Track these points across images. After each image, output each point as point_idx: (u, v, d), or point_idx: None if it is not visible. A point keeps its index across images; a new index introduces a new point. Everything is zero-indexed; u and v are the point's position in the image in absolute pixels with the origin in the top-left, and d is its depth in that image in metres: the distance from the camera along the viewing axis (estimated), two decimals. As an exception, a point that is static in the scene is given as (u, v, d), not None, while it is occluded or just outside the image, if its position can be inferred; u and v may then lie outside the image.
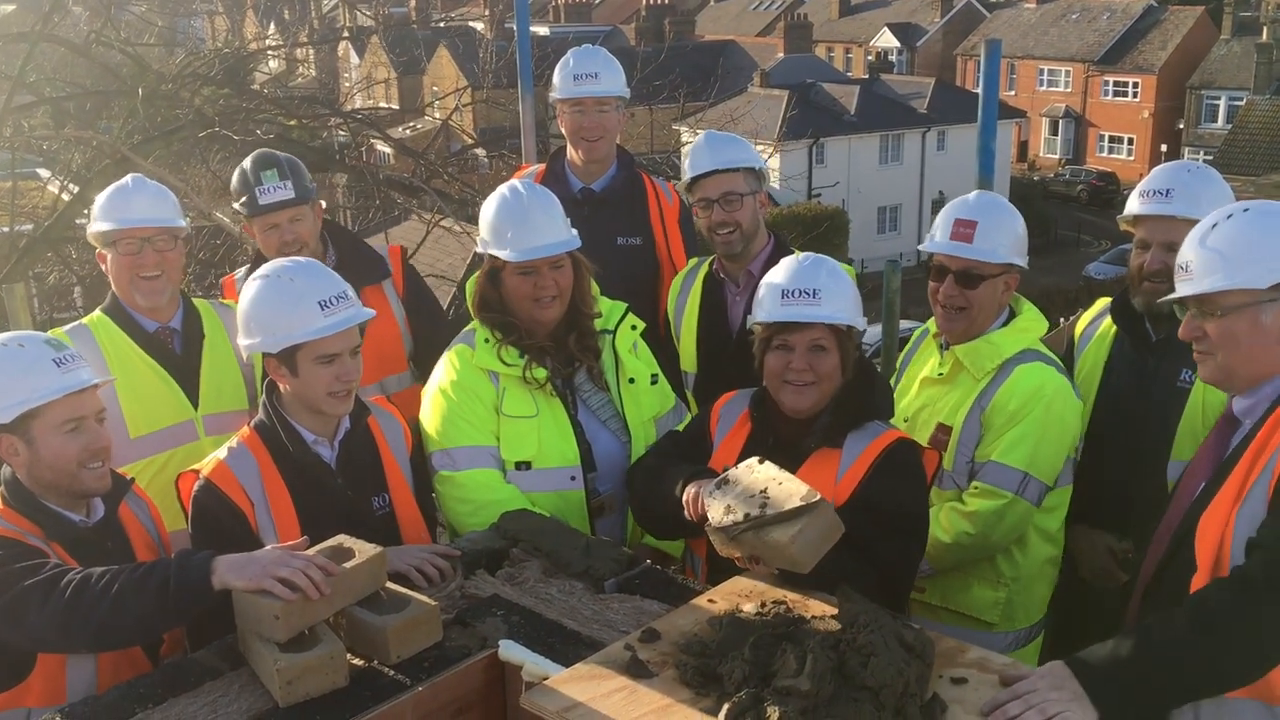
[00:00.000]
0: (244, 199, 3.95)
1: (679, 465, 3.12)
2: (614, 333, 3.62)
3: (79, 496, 2.91)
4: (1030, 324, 3.56)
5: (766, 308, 3.09)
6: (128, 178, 3.89)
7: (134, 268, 3.73)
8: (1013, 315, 3.57)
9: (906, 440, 3.11)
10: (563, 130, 4.69)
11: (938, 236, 3.52)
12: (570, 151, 4.69)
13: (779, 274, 3.13)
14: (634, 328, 3.68)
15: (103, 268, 3.85)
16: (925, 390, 3.64)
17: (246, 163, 3.97)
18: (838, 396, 3.08)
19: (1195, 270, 2.60)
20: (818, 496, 2.63)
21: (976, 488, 3.44)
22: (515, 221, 3.42)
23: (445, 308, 5.54)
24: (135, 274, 3.73)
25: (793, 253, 4.19)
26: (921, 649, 2.38)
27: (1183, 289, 2.64)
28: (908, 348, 3.94)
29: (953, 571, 3.54)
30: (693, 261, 4.47)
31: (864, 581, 2.78)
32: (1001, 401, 3.41)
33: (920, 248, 3.66)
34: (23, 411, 2.80)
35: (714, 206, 4.08)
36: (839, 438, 3.04)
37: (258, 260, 4.03)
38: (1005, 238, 3.47)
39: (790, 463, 3.01)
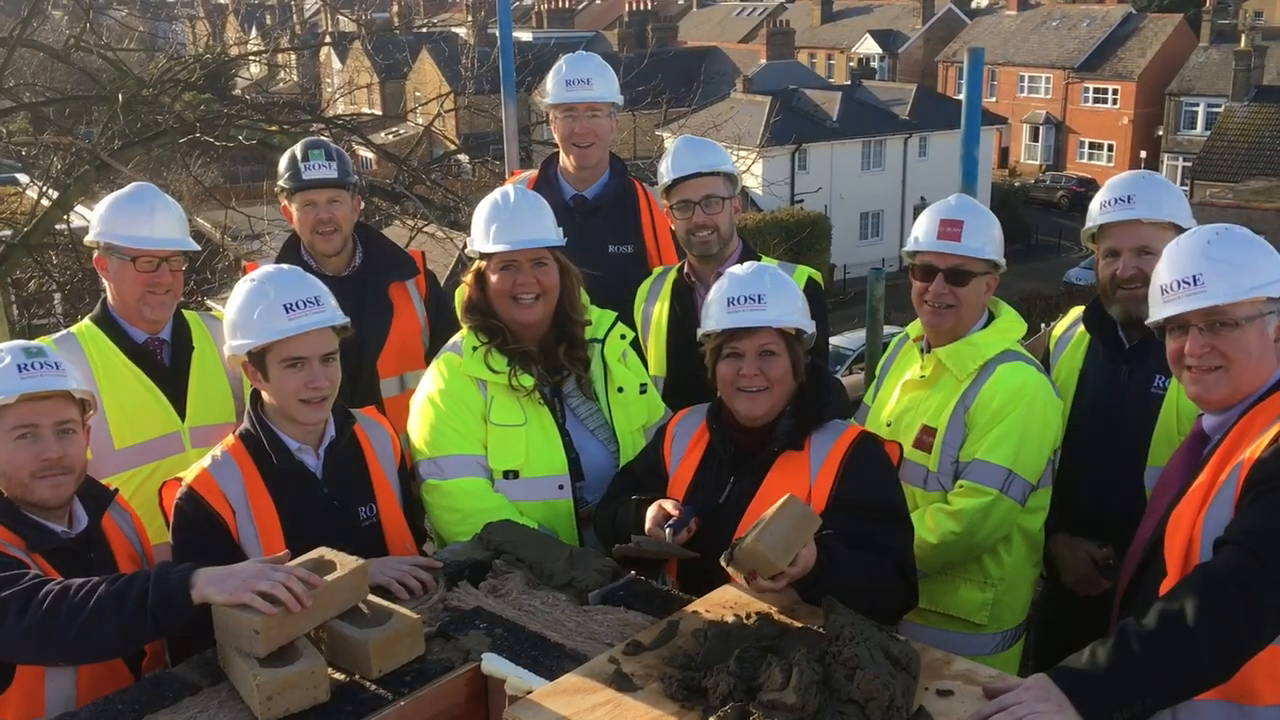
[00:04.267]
0: (287, 175, 4.12)
1: (627, 503, 3.17)
2: (603, 341, 3.61)
3: (35, 507, 2.87)
4: (1010, 325, 3.62)
5: (714, 317, 3.12)
6: (135, 187, 3.88)
7: (149, 284, 3.72)
8: (991, 318, 3.62)
9: (868, 434, 3.15)
10: (555, 136, 4.69)
11: (922, 238, 3.56)
12: (563, 158, 4.69)
13: (723, 283, 3.16)
14: (623, 337, 3.68)
15: (102, 275, 3.81)
16: (907, 394, 3.66)
17: (296, 146, 4.19)
18: (795, 399, 3.09)
19: (1208, 281, 2.62)
20: (785, 497, 2.64)
21: (962, 486, 3.47)
22: (501, 218, 3.45)
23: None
24: (148, 290, 3.72)
25: (759, 258, 4.23)
26: (907, 661, 2.37)
27: (1194, 301, 2.65)
28: (886, 354, 3.97)
29: (940, 574, 3.56)
30: (659, 269, 4.48)
31: (888, 576, 2.85)
32: (985, 400, 3.45)
33: (905, 249, 3.70)
34: None
35: (695, 208, 4.12)
36: (800, 440, 3.05)
37: (288, 248, 4.23)
38: (988, 237, 3.54)
39: (755, 469, 3.06)
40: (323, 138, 4.20)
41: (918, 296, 3.57)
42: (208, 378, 3.85)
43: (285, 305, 2.99)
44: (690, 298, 4.25)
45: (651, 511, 3.06)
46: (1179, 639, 2.31)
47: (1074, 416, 3.69)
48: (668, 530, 2.97)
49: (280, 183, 4.19)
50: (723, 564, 2.71)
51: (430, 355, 4.29)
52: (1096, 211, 3.61)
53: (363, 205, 4.46)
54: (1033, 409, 3.43)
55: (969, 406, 3.47)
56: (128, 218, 3.73)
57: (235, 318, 3.08)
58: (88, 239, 3.84)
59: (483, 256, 3.47)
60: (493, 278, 3.44)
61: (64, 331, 3.85)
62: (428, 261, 4.58)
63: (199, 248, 3.94)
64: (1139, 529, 2.90)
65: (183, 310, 3.96)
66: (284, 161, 4.19)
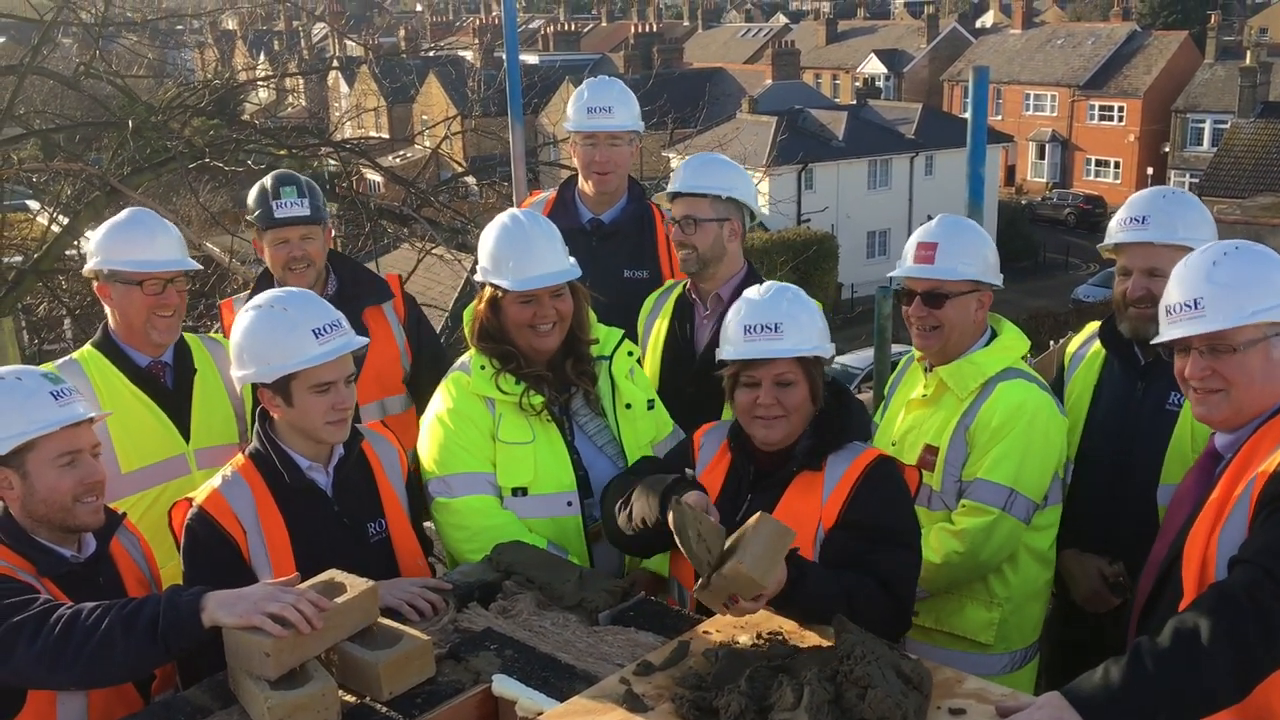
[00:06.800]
0: (259, 212, 4.06)
1: (644, 479, 3.15)
2: (610, 358, 3.63)
3: (72, 531, 2.88)
4: (1012, 343, 3.61)
5: (732, 343, 3.09)
6: (130, 212, 3.89)
7: (156, 307, 3.74)
8: (994, 335, 3.62)
9: (886, 457, 3.12)
10: (575, 162, 4.71)
11: (906, 262, 3.60)
12: (581, 182, 4.71)
13: (740, 308, 3.12)
14: (630, 354, 3.70)
15: (104, 303, 3.81)
16: (911, 412, 3.67)
17: (267, 179, 4.12)
18: (815, 421, 3.08)
19: (1209, 307, 2.61)
20: (757, 515, 2.62)
21: (964, 505, 3.46)
22: (517, 250, 3.43)
23: (438, 335, 5.59)
24: (155, 313, 3.74)
25: (762, 281, 4.21)
26: (919, 680, 2.36)
27: (1194, 326, 2.64)
28: (894, 374, 3.98)
29: (946, 593, 3.54)
30: (668, 283, 4.48)
31: (869, 592, 2.80)
32: (985, 419, 3.45)
33: (889, 275, 3.75)
34: (19, 444, 2.78)
35: (675, 226, 4.12)
36: (818, 461, 3.04)
37: (263, 280, 4.14)
38: (967, 256, 3.53)
39: (773, 489, 3.05)
40: (295, 172, 4.14)
41: (906, 319, 3.61)
42: (210, 399, 3.86)
43: (314, 330, 2.98)
44: (690, 315, 4.26)
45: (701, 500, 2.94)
46: (1193, 658, 2.29)
47: (1087, 432, 3.68)
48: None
49: (250, 218, 4.13)
50: (695, 594, 2.69)
51: (411, 378, 4.27)
52: (1114, 229, 3.62)
53: (334, 236, 4.39)
54: (1034, 426, 3.43)
55: (969, 425, 3.48)
56: (128, 243, 3.74)
57: (256, 344, 3.03)
58: (87, 269, 3.83)
59: (497, 286, 3.46)
60: (511, 310, 3.44)
61: (67, 358, 3.86)
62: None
63: (200, 266, 3.95)
64: (1154, 547, 2.89)
65: (183, 333, 3.97)
66: (254, 195, 4.10)
